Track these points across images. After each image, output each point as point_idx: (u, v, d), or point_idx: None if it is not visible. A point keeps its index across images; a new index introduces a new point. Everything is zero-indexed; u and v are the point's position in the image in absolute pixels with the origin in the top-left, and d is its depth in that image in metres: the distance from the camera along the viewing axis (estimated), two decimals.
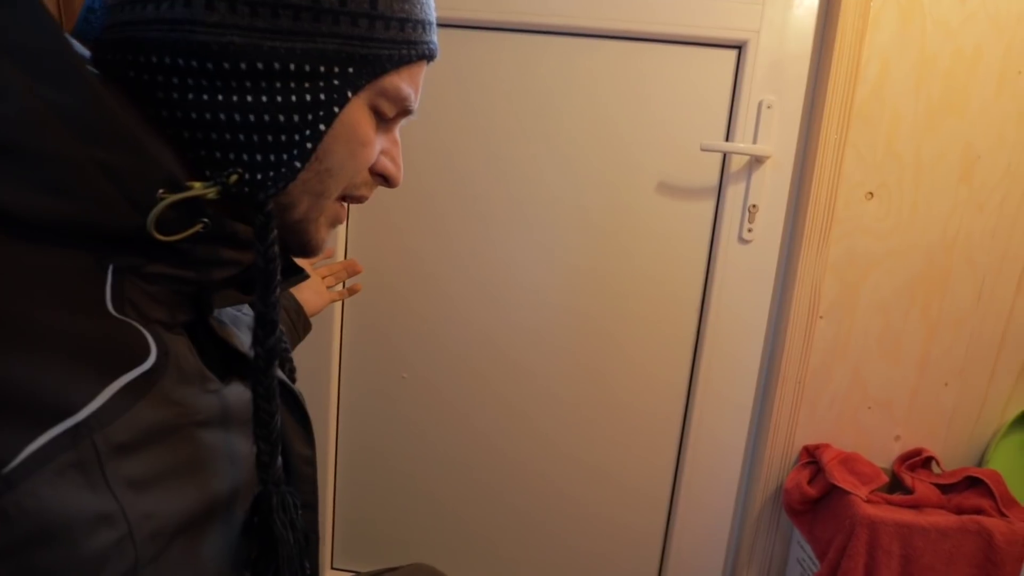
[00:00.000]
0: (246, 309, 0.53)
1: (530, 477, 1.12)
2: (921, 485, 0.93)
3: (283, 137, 0.37)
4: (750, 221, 0.99)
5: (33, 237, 0.31)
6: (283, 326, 0.79)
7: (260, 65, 0.35)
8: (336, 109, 0.37)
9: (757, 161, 0.98)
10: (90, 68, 0.33)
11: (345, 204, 0.45)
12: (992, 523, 0.84)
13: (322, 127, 0.37)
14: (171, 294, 0.37)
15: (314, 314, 0.87)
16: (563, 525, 1.13)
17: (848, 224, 0.95)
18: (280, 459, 0.41)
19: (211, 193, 0.35)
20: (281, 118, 0.36)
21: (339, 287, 1.00)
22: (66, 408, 0.28)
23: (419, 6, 0.40)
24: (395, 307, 1.09)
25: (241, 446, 0.40)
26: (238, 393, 0.41)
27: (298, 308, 0.81)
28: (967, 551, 0.84)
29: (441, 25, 0.95)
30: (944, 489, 0.94)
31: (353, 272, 0.92)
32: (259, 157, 0.37)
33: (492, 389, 1.10)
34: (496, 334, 1.08)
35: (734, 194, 1.00)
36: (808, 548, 0.96)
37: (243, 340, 0.45)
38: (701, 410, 1.05)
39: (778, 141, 0.97)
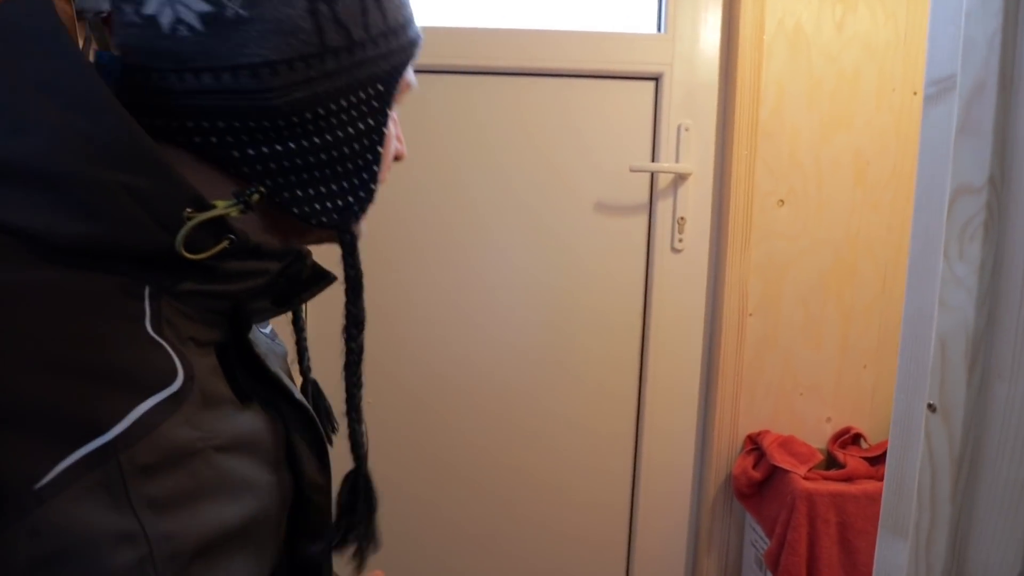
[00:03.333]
0: (279, 341, 0.55)
1: (495, 483, 1.16)
2: (852, 460, 1.02)
3: (350, 166, 0.41)
4: (680, 232, 1.09)
5: (72, 263, 0.32)
6: None
7: (321, 110, 0.38)
8: (384, 128, 0.41)
9: (681, 178, 1.09)
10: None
11: None
12: None
13: (379, 147, 0.41)
14: (204, 311, 0.38)
15: None
16: (531, 534, 1.17)
17: (765, 229, 1.06)
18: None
19: (234, 212, 0.36)
20: (345, 150, 0.40)
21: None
22: (96, 427, 0.29)
23: (407, 6, 0.42)
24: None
25: (259, 473, 0.39)
26: (260, 420, 0.41)
27: None
28: None
29: None
30: (872, 461, 1.03)
31: None
32: (335, 188, 0.41)
33: (440, 410, 1.15)
34: (442, 362, 1.14)
35: (663, 209, 1.10)
36: (759, 528, 1.04)
37: (274, 370, 0.45)
38: (652, 410, 1.13)
39: (697, 159, 1.09)
